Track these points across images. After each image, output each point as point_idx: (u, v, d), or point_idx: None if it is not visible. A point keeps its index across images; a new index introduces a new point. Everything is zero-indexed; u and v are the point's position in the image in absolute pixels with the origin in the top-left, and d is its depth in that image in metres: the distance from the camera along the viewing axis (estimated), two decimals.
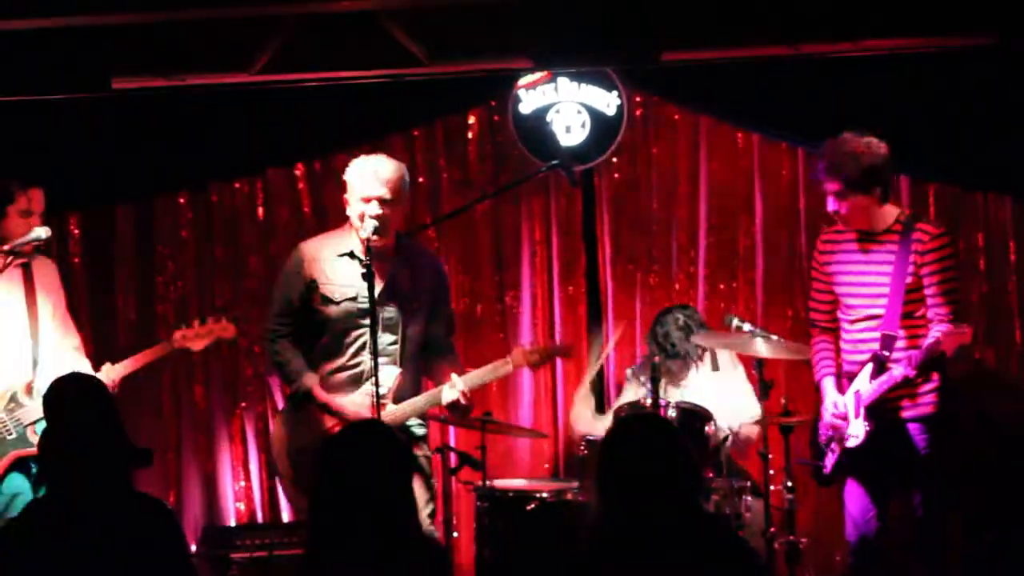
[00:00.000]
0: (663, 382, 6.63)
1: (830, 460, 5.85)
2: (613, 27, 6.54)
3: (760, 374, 6.27)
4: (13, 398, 5.96)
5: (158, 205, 7.59)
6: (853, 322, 5.80)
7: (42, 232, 6.06)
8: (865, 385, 5.69)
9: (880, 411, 5.68)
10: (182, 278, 7.62)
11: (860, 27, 6.58)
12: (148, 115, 7.17)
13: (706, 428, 6.43)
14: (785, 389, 6.87)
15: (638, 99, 7.51)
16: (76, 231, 7.52)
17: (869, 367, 5.69)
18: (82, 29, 6.45)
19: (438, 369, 5.89)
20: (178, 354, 6.30)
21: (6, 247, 6.02)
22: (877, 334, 5.70)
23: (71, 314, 6.35)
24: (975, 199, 7.30)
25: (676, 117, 7.58)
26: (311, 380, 5.77)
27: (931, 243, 5.65)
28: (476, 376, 5.83)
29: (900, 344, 5.66)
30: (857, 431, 5.70)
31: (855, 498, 5.83)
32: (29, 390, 5.98)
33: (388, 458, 3.91)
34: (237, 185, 7.62)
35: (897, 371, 5.59)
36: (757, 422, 6.60)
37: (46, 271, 6.23)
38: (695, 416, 6.40)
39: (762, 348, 6.29)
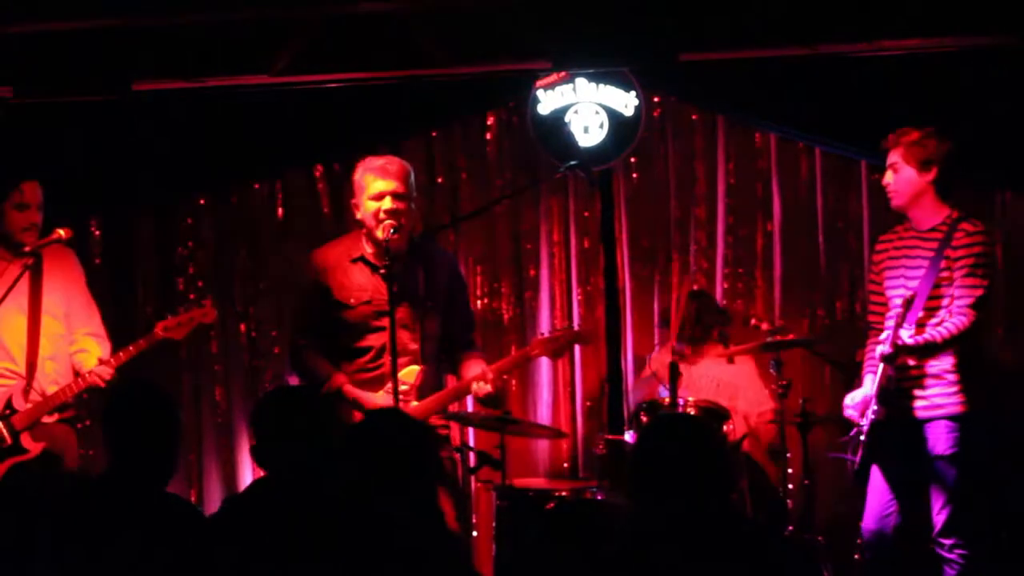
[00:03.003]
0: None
1: (859, 455, 5.89)
2: (631, 28, 6.54)
3: (778, 374, 6.28)
4: (8, 404, 5.98)
5: (178, 207, 7.62)
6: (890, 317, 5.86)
7: (62, 232, 6.09)
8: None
9: (889, 402, 5.73)
10: (202, 279, 7.65)
11: (878, 27, 6.58)
12: (168, 117, 7.20)
13: (724, 427, 6.44)
14: (803, 388, 6.88)
15: (656, 99, 7.52)
16: (97, 233, 7.56)
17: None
18: (102, 32, 6.49)
19: (462, 365, 5.92)
20: (164, 345, 6.31)
21: (27, 248, 6.05)
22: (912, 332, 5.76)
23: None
24: (993, 197, 7.29)
25: (694, 117, 7.58)
26: (340, 379, 5.79)
27: (967, 239, 5.73)
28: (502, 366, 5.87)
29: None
30: (865, 423, 5.77)
31: (877, 491, 5.87)
32: (25, 394, 5.99)
33: (410, 443, 3.95)
34: (257, 186, 7.64)
35: (879, 349, 5.68)
36: (771, 420, 6.62)
37: (59, 260, 6.23)
38: (713, 415, 6.41)
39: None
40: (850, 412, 5.84)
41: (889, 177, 5.85)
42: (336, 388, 5.77)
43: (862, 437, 5.77)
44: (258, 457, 4.45)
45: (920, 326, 5.69)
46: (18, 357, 6.07)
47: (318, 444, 4.28)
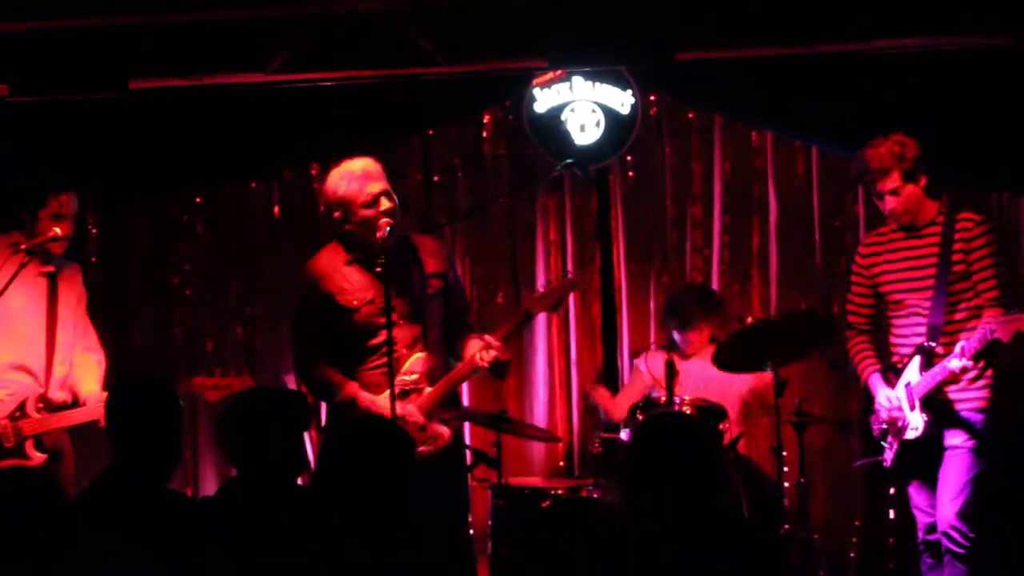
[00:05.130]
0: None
1: (889, 455, 5.91)
2: (628, 26, 6.55)
3: (775, 372, 6.29)
4: (21, 407, 5.97)
5: (174, 205, 7.63)
6: (904, 316, 5.89)
7: (57, 230, 6.08)
8: (915, 377, 5.77)
9: (934, 403, 5.75)
10: (198, 277, 7.66)
11: (875, 27, 6.59)
12: (165, 115, 7.20)
13: (720, 426, 6.45)
14: (799, 386, 6.89)
15: (652, 98, 7.53)
16: (93, 231, 7.56)
17: (917, 359, 5.77)
18: (99, 30, 6.49)
19: (464, 346, 5.88)
20: (189, 398, 6.27)
21: (23, 246, 6.05)
22: (924, 328, 5.77)
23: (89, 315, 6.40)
24: (989, 199, 7.29)
25: (690, 116, 7.61)
26: (352, 388, 5.75)
27: (976, 229, 5.76)
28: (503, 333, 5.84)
29: (944, 335, 5.75)
30: (916, 423, 5.78)
31: (921, 493, 5.90)
32: (38, 403, 5.99)
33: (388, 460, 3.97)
34: (253, 185, 7.65)
35: (954, 363, 5.64)
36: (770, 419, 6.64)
37: (70, 275, 6.27)
38: (710, 414, 6.42)
39: None
40: (894, 412, 5.85)
41: (893, 202, 5.81)
42: (350, 397, 5.74)
43: (908, 436, 5.79)
44: (230, 457, 4.47)
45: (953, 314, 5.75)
46: (37, 364, 6.08)
47: (288, 444, 4.31)
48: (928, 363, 5.74)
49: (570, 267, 7.59)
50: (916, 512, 5.97)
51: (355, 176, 5.70)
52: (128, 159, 7.25)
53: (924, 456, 5.83)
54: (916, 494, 5.97)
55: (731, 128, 7.55)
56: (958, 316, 5.76)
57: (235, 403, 4.57)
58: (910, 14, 6.52)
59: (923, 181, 5.81)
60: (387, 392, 5.62)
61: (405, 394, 5.64)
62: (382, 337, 5.72)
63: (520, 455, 7.44)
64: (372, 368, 5.76)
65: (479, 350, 5.70)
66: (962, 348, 5.61)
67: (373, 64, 6.87)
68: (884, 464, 5.95)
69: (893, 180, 5.78)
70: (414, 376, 5.62)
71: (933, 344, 5.74)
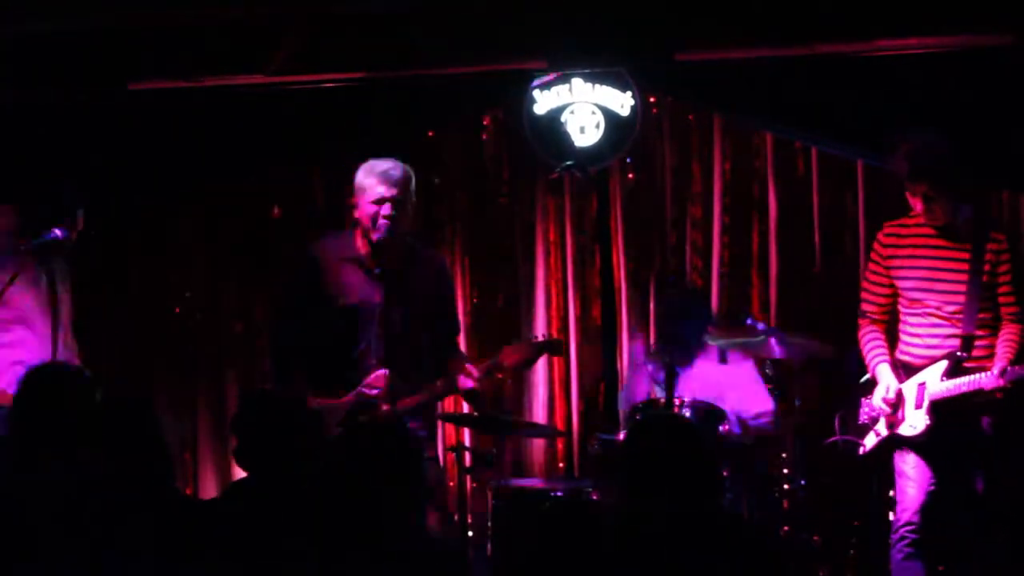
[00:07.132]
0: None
1: (871, 441, 5.89)
2: (627, 27, 6.55)
3: (775, 374, 6.29)
4: None
5: (171, 206, 7.61)
6: (921, 315, 5.87)
7: (58, 231, 6.06)
8: (935, 380, 5.76)
9: (946, 407, 5.74)
10: (197, 278, 7.66)
11: (875, 26, 6.59)
12: (162, 115, 7.18)
13: (720, 428, 6.43)
14: (798, 387, 6.88)
15: (652, 99, 7.53)
16: (90, 232, 7.53)
17: (943, 364, 5.76)
18: (99, 30, 6.50)
19: (448, 368, 5.89)
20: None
21: (22, 246, 6.04)
22: (948, 331, 5.79)
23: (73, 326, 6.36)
24: (990, 198, 7.28)
25: (690, 117, 7.61)
26: (298, 381, 5.79)
27: (1005, 243, 5.81)
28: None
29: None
30: (916, 422, 5.78)
31: (918, 467, 5.84)
32: None
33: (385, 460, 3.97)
34: (253, 186, 7.64)
35: (986, 380, 5.65)
36: (771, 420, 6.62)
37: (65, 276, 6.23)
38: (709, 415, 6.40)
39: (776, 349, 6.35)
40: (885, 405, 5.84)
41: (925, 206, 5.80)
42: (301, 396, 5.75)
43: (904, 432, 5.80)
44: (240, 460, 4.47)
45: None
46: (41, 357, 6.05)
47: (298, 446, 4.31)
48: (954, 371, 5.73)
49: (570, 267, 7.60)
50: (906, 488, 5.89)
51: (376, 172, 5.80)
52: (126, 159, 7.23)
53: (921, 448, 5.82)
54: (914, 471, 5.88)
55: (731, 128, 7.54)
56: (982, 326, 5.78)
57: (245, 404, 4.59)
58: (910, 14, 6.52)
59: (955, 188, 5.81)
60: (344, 398, 5.64)
61: (362, 406, 5.64)
62: (351, 342, 5.74)
63: (520, 456, 7.44)
64: (335, 373, 5.77)
65: (458, 374, 5.75)
66: (1003, 370, 5.62)
67: (373, 65, 6.87)
68: (861, 449, 5.94)
69: (922, 187, 5.77)
70: (374, 392, 5.63)
71: (966, 354, 5.73)
